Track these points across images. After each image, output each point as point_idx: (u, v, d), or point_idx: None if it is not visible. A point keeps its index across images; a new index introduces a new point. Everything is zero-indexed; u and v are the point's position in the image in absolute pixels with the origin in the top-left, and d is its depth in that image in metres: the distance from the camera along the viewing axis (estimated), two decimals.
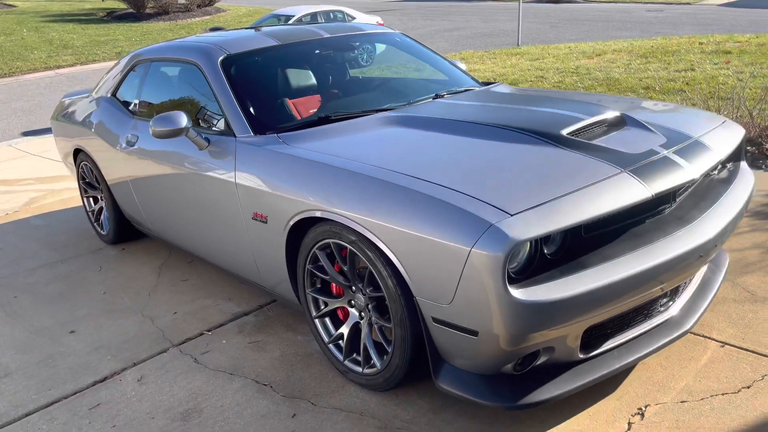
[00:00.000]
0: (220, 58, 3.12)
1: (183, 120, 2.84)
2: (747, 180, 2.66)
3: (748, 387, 2.27)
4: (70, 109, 4.56)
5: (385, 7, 27.00)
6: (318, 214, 2.32)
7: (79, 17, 26.04)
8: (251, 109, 2.93)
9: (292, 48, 3.35)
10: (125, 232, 4.28)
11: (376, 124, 2.75)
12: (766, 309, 2.76)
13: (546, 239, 1.99)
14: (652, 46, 11.39)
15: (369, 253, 2.18)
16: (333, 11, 14.56)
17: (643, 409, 2.21)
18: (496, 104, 2.91)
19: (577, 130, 2.41)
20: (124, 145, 3.64)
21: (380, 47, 3.99)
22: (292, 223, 2.48)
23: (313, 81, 3.31)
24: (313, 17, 14.06)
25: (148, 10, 24.32)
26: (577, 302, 1.90)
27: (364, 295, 2.38)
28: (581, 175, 2.09)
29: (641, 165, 2.17)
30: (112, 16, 25.27)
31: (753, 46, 10.31)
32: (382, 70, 4.58)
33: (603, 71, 9.21)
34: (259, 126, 2.84)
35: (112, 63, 16.78)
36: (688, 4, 23.04)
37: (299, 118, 3.03)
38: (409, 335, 2.17)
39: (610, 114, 2.57)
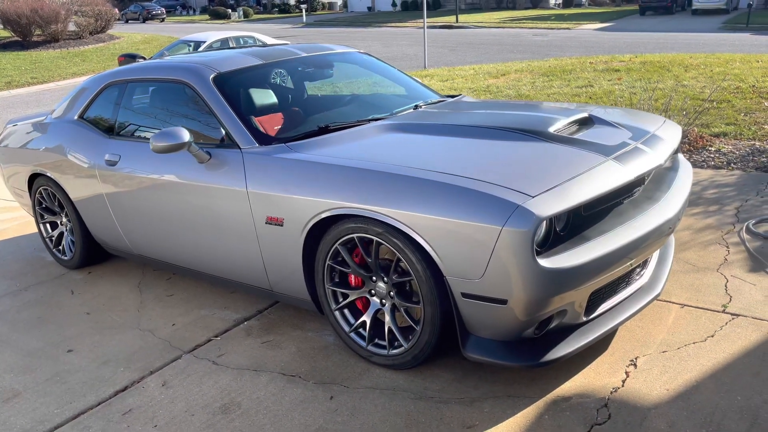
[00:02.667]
0: (212, 76, 3.28)
1: (185, 135, 2.97)
2: (687, 168, 3.17)
3: (712, 336, 2.72)
4: (21, 135, 4.46)
5: (287, 34, 27.29)
6: (342, 211, 2.55)
7: None
8: (251, 122, 3.10)
9: (277, 66, 3.56)
10: (92, 255, 4.24)
11: (376, 131, 3.03)
12: (707, 276, 3.27)
13: (557, 217, 2.34)
14: (549, 66, 12.41)
15: (397, 241, 2.44)
16: (243, 37, 14.62)
17: (635, 360, 2.60)
18: (476, 111, 3.27)
19: (561, 127, 2.81)
20: (102, 165, 3.66)
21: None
22: (311, 223, 2.68)
23: (299, 95, 3.53)
24: (224, 43, 14.04)
25: (35, 38, 23.11)
26: (589, 267, 2.26)
27: (386, 282, 2.62)
28: (576, 163, 2.47)
29: (620, 154, 2.60)
30: None
31: (637, 65, 11.53)
32: (350, 87, 4.85)
33: (513, 89, 9.97)
34: (262, 137, 3.03)
35: (2, 93, 15.85)
36: (568, 29, 25.08)
37: (294, 129, 3.23)
38: (437, 313, 2.44)
39: (581, 115, 3.00)
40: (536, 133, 2.73)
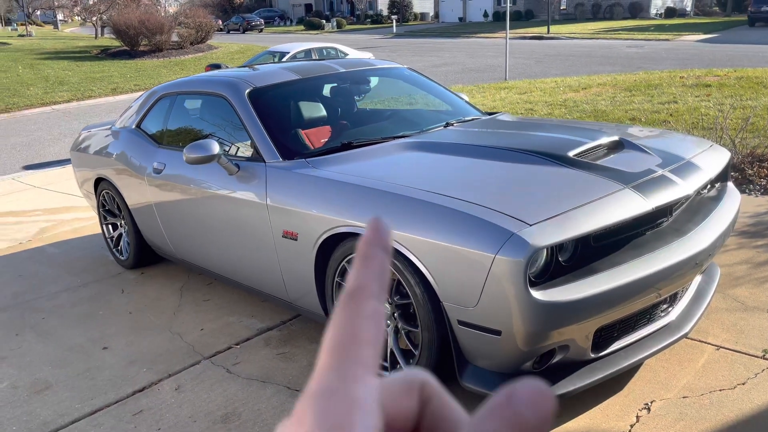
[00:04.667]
0: (247, 91, 3.38)
1: (215, 147, 3.08)
2: (734, 198, 2.93)
3: (743, 384, 2.49)
4: (91, 141, 4.79)
5: (374, 44, 27.68)
6: (348, 229, 2.55)
7: (74, 54, 26.42)
8: (279, 137, 3.17)
9: (313, 81, 3.62)
10: (145, 257, 4.47)
11: (396, 149, 3.01)
12: (755, 316, 3.00)
13: (560, 247, 2.23)
14: (636, 80, 11.87)
15: (397, 263, 2.40)
16: (326, 48, 15.00)
17: (649, 404, 2.42)
18: (504, 130, 3.18)
19: (582, 152, 2.68)
20: (150, 173, 3.86)
21: (373, 81, 4.25)
22: (322, 239, 2.70)
23: (333, 111, 3.57)
24: (307, 54, 14.47)
25: (141, 48, 24.77)
26: (588, 303, 2.13)
27: (390, 303, 2.59)
28: (589, 190, 2.35)
29: (641, 182, 2.44)
30: (106, 54, 25.68)
31: (731, 80, 10.80)
32: (393, 102, 4.87)
33: (590, 104, 9.61)
34: (287, 152, 3.09)
35: (108, 99, 17.08)
36: (667, 40, 23.89)
37: (321, 144, 3.28)
38: (435, 338, 2.39)
39: (610, 138, 2.85)
40: (555, 157, 2.62)
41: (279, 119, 3.33)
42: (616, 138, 2.86)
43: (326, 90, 3.75)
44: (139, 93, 18.26)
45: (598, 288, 2.15)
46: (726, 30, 27.51)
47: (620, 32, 27.95)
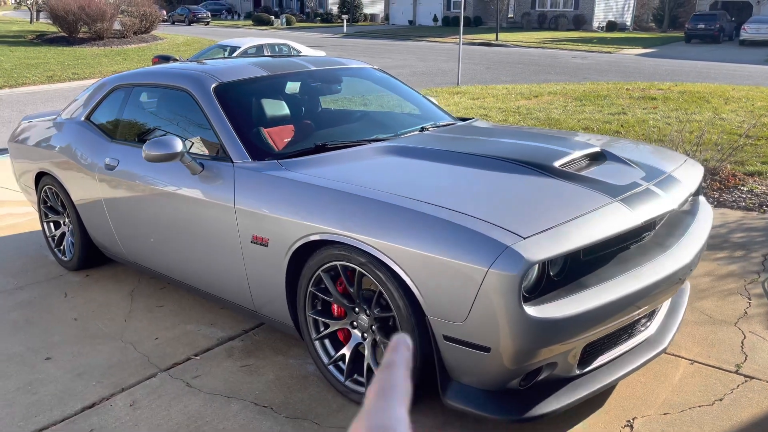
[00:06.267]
0: (213, 86, 3.18)
1: (178, 145, 2.87)
2: (707, 212, 2.95)
3: (721, 400, 2.49)
4: (33, 132, 4.45)
5: (326, 43, 27.43)
6: (326, 237, 2.40)
7: (7, 39, 25.01)
8: (248, 136, 2.99)
9: (282, 78, 3.45)
10: (91, 258, 4.18)
11: (373, 153, 2.88)
12: (723, 330, 3.03)
13: (551, 261, 2.15)
14: (584, 91, 12.13)
15: (380, 274, 2.28)
16: (278, 44, 14.69)
17: (631, 421, 2.39)
18: (483, 137, 3.10)
19: (567, 162, 2.62)
20: (102, 168, 3.60)
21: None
22: (296, 246, 2.54)
23: (304, 111, 3.41)
24: (259, 49, 14.13)
25: (80, 35, 23.67)
26: (582, 319, 2.07)
27: (368, 315, 2.46)
28: (579, 203, 2.28)
29: (629, 195, 2.40)
30: (42, 39, 24.42)
31: (675, 94, 11.18)
32: (363, 103, 4.73)
33: (543, 112, 9.74)
34: (257, 152, 2.91)
35: (44, 86, 16.21)
36: (609, 53, 24.65)
37: (284, 144, 3.11)
38: (418, 354, 2.27)
39: (592, 149, 2.81)
40: (540, 167, 2.55)
41: (248, 117, 3.15)
42: (597, 149, 2.83)
43: (296, 88, 3.58)
44: (78, 82, 17.42)
45: (590, 304, 2.09)
46: (664, 45, 28.64)
47: (565, 42, 28.67)
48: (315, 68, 3.62)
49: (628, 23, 41.15)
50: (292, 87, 3.54)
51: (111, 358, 3.07)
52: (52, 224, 4.42)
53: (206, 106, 3.10)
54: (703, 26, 29.35)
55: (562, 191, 2.37)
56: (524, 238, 2.03)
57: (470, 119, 3.66)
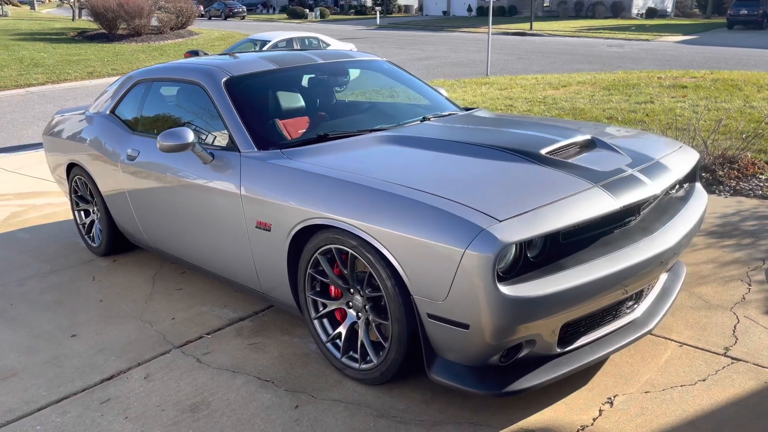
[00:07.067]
0: (224, 80, 3.35)
1: (190, 136, 3.05)
2: (701, 199, 2.99)
3: (704, 380, 2.56)
4: (64, 125, 4.71)
5: (358, 35, 27.56)
6: (321, 221, 2.55)
7: (50, 36, 25.91)
8: (254, 127, 3.16)
9: (290, 72, 3.60)
10: (117, 244, 4.42)
11: (372, 142, 3.02)
12: (718, 314, 3.07)
13: (529, 243, 2.26)
14: (614, 80, 11.99)
15: (369, 256, 2.42)
16: (308, 38, 14.90)
17: (612, 398, 2.48)
18: (479, 126, 3.20)
19: (554, 150, 2.71)
20: (124, 159, 3.82)
21: (354, 73, 4.25)
22: (295, 230, 2.70)
23: (310, 102, 3.56)
24: (289, 43, 14.37)
25: (120, 31, 24.37)
26: (556, 299, 2.17)
27: (362, 296, 2.60)
28: (559, 188, 2.38)
29: (611, 181, 2.48)
30: (84, 36, 25.22)
31: (708, 82, 10.97)
32: (371, 94, 4.86)
33: (569, 101, 9.70)
34: (262, 142, 3.07)
35: (84, 82, 16.79)
36: (647, 40, 24.15)
37: (299, 135, 3.27)
38: (405, 331, 2.41)
39: (582, 137, 2.88)
40: (526, 154, 2.64)
41: (255, 109, 3.31)
42: (588, 137, 2.90)
43: (304, 81, 3.74)
44: (117, 77, 17.98)
45: (565, 284, 2.18)
46: (705, 32, 27.91)
47: (602, 31, 28.19)
48: (323, 61, 3.77)
49: (669, 10, 40.12)
50: (302, 80, 3.69)
51: (130, 335, 3.29)
52: (82, 212, 4.69)
53: (217, 98, 3.28)
54: (746, 12, 28.47)
55: (545, 177, 2.47)
56: (500, 221, 2.14)
57: (473, 109, 3.76)
